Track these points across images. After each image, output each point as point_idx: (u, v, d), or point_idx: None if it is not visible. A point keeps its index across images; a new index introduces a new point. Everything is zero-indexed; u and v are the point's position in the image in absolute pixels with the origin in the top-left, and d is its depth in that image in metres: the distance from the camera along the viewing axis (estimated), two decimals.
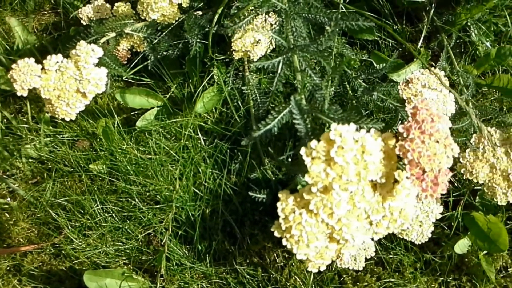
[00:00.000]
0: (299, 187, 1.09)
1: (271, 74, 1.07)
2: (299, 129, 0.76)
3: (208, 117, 1.47)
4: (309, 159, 0.62)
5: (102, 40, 1.20)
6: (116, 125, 1.43)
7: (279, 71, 0.93)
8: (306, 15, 0.98)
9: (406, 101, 1.13)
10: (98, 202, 1.34)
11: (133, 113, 1.50)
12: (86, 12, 1.44)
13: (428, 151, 0.64)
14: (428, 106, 0.65)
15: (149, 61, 1.39)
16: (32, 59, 1.02)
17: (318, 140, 0.63)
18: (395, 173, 0.68)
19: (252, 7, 1.05)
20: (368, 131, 0.65)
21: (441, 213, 1.12)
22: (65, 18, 1.70)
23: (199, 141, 1.41)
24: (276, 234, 0.69)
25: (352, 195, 0.64)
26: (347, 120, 0.76)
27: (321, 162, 0.62)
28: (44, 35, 1.70)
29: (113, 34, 1.25)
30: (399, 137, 0.68)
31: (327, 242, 0.70)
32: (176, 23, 1.38)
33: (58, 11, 1.73)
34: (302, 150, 0.62)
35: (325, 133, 0.62)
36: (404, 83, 1.14)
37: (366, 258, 1.14)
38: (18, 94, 1.03)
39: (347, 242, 0.70)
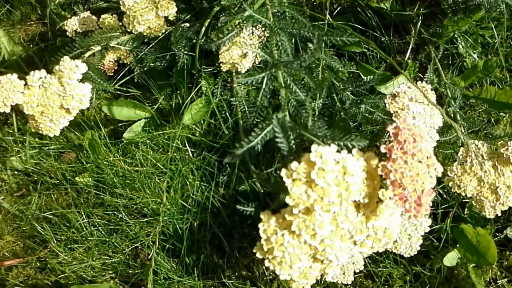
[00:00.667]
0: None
1: (259, 85, 1.07)
2: (281, 147, 0.75)
3: (196, 128, 1.46)
4: (290, 181, 0.61)
5: (87, 54, 1.19)
6: (102, 137, 1.42)
7: (263, 86, 0.93)
8: (291, 30, 0.98)
9: (393, 114, 1.12)
10: (84, 215, 1.33)
11: (120, 124, 1.49)
12: (71, 24, 1.43)
13: (411, 172, 0.63)
14: (410, 126, 0.64)
15: (135, 74, 1.38)
16: (15, 75, 1.01)
17: (299, 161, 0.62)
18: (379, 192, 0.67)
19: (237, 22, 1.05)
20: (350, 151, 0.64)
21: (430, 226, 1.12)
22: (52, 29, 1.69)
23: (187, 153, 1.40)
24: (258, 255, 0.68)
25: (335, 215, 0.64)
26: (331, 137, 0.75)
27: (302, 184, 0.61)
28: (31, 45, 1.69)
29: (98, 48, 1.24)
30: (386, 155, 0.68)
31: (311, 262, 0.69)
32: (163, 35, 1.38)
33: (45, 21, 1.71)
34: (283, 172, 0.62)
35: (306, 154, 0.61)
36: (391, 97, 1.13)
37: (354, 271, 1.13)
38: (1, 110, 1.01)
39: (331, 262, 0.69)
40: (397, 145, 0.64)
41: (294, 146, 0.76)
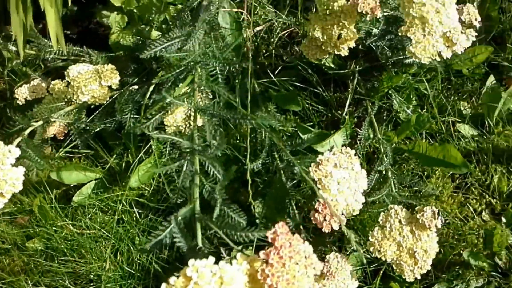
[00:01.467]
0: None
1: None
2: (180, 246, 0.81)
3: (146, 188, 1.51)
4: None
5: (27, 132, 1.24)
6: (53, 201, 1.47)
7: (184, 169, 0.98)
8: (212, 112, 1.04)
9: (317, 182, 1.18)
10: (31, 284, 1.37)
11: (73, 185, 1.53)
12: (22, 93, 1.49)
13: (287, 275, 0.69)
14: (287, 230, 0.70)
15: (78, 143, 1.43)
16: None
17: (178, 276, 0.67)
18: None
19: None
20: (234, 257, 0.70)
21: (359, 287, 1.17)
22: (11, 88, 1.74)
23: (134, 215, 1.45)
24: None
25: None
26: (230, 228, 0.81)
27: None
28: None
29: (39, 123, 1.30)
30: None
31: None
32: (108, 102, 1.43)
33: (6, 79, 1.76)
34: (163, 286, 0.67)
35: (184, 268, 0.67)
36: (315, 165, 1.19)
37: None
38: None
39: None
40: (274, 250, 0.69)
41: (197, 243, 0.81)
